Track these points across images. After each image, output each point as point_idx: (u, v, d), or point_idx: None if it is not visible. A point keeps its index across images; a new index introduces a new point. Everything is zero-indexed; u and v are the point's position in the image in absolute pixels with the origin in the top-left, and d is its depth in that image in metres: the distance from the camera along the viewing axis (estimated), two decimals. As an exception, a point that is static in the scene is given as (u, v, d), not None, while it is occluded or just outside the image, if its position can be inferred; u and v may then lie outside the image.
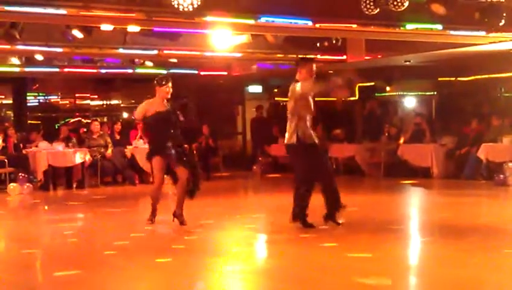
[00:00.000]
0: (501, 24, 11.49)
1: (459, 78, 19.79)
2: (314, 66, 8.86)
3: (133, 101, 27.38)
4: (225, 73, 20.13)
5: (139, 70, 18.79)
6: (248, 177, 18.37)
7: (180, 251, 7.54)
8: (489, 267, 6.40)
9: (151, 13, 11.13)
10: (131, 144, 16.56)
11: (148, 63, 18.05)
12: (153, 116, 9.28)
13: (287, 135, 8.81)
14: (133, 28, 12.97)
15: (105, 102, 24.51)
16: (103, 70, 18.98)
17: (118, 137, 16.88)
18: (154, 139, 9.48)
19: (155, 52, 15.53)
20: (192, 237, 8.38)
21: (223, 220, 10.01)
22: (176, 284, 6.10)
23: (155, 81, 9.44)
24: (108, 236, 8.68)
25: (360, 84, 19.78)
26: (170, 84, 9.38)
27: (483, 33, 13.23)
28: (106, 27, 12.52)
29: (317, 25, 12.23)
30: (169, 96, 9.37)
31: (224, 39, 14.27)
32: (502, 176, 13.99)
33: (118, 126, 17.36)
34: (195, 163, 9.69)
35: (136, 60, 17.73)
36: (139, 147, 16.28)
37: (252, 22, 11.90)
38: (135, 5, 10.73)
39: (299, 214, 8.67)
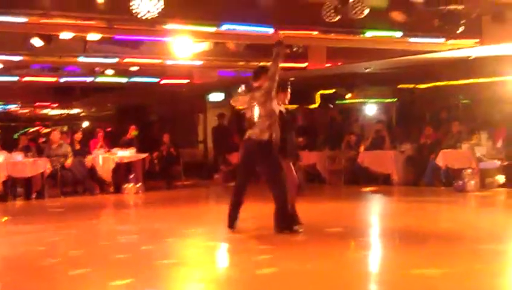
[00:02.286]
0: (460, 31, 11.63)
1: (418, 85, 20.01)
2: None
3: (93, 110, 27.26)
4: (186, 81, 20.07)
5: (99, 79, 18.64)
6: (209, 185, 18.33)
7: (139, 260, 7.47)
8: (451, 272, 6.44)
9: (112, 21, 11.04)
10: (91, 154, 16.43)
11: (109, 72, 17.91)
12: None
13: (254, 130, 8.82)
14: (93, 36, 12.86)
15: (65, 111, 24.32)
16: (63, 79, 18.78)
17: (78, 146, 16.72)
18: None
19: (116, 60, 15.42)
20: (150, 247, 8.31)
21: (184, 228, 9.94)
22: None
23: None
24: (67, 246, 8.57)
25: (321, 92, 19.92)
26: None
27: (442, 40, 13.39)
28: (66, 35, 12.39)
29: (278, 32, 12.27)
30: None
31: (185, 47, 14.22)
32: (460, 182, 14.15)
33: (78, 135, 17.20)
34: None
35: (97, 68, 17.59)
36: (99, 156, 16.18)
37: (213, 29, 11.90)
38: (96, 12, 10.65)
39: (287, 219, 8.71)
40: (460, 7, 11.15)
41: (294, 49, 14.75)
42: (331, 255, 7.36)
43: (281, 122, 9.06)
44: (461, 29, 11.51)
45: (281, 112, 9.14)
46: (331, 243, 8.21)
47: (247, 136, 8.91)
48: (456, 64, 16.39)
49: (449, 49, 14.25)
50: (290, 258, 7.32)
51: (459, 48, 14.12)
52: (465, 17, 11.64)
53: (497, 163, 14.69)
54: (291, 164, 9.22)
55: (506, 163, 14.67)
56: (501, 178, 14.52)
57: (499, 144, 15.18)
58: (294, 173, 9.30)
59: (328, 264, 6.92)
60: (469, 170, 14.30)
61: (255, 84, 9.01)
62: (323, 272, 6.57)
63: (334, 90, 21.14)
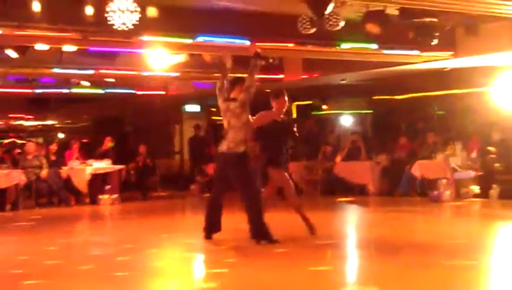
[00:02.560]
0: (434, 43, 11.73)
1: (394, 97, 20.14)
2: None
3: (69, 121, 27.12)
4: (162, 92, 20.05)
5: (75, 90, 18.57)
6: (186, 196, 18.28)
7: (113, 271, 7.43)
8: (426, 282, 6.48)
9: (87, 33, 11.02)
10: (66, 165, 16.35)
11: (85, 83, 17.86)
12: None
13: (228, 143, 8.84)
14: (69, 48, 12.82)
15: (40, 122, 24.17)
16: (38, 90, 18.68)
17: (53, 158, 16.63)
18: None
19: (91, 71, 15.39)
20: (126, 258, 8.27)
21: (160, 240, 9.91)
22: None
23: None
24: (37, 258, 8.49)
25: (298, 103, 19.97)
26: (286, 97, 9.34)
27: (417, 52, 13.51)
28: (41, 46, 12.34)
29: (254, 44, 12.31)
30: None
31: (161, 58, 14.23)
32: (436, 192, 14.25)
33: (53, 147, 17.13)
34: None
35: (72, 79, 17.53)
36: (74, 168, 16.12)
37: (189, 41, 11.91)
38: (71, 24, 10.63)
39: (264, 230, 8.74)
40: (434, 20, 11.25)
41: (270, 61, 14.80)
42: (306, 265, 7.36)
43: (275, 132, 9.12)
44: (435, 41, 11.61)
45: (275, 121, 9.19)
46: (306, 253, 8.21)
47: (223, 149, 8.92)
48: (431, 76, 16.52)
49: (424, 61, 14.38)
50: (264, 269, 7.31)
51: (433, 60, 14.25)
52: (439, 30, 11.74)
53: (472, 173, 14.81)
54: (286, 174, 9.30)
55: (480, 173, 14.79)
56: (475, 188, 14.63)
57: (474, 154, 15.31)
58: (291, 183, 9.37)
59: (302, 275, 6.92)
60: (444, 180, 14.41)
61: (231, 95, 9.04)
62: (297, 283, 6.57)
63: (310, 102, 21.21)
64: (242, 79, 9.10)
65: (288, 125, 9.47)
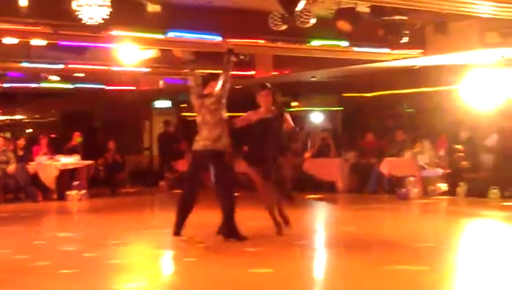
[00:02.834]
0: (404, 41, 11.80)
1: (364, 94, 20.22)
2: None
3: (37, 116, 26.88)
4: (133, 88, 19.94)
5: (44, 85, 18.40)
6: (154, 193, 18.21)
7: (82, 267, 7.38)
8: (393, 279, 6.52)
9: (57, 27, 10.92)
10: (34, 160, 16.20)
11: (54, 77, 17.70)
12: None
13: (205, 141, 8.81)
14: (38, 42, 12.69)
15: (8, 117, 23.92)
16: (6, 85, 18.48)
17: (21, 153, 16.46)
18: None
19: (61, 66, 15.25)
20: (93, 254, 8.22)
21: (128, 236, 9.87)
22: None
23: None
24: (5, 253, 8.41)
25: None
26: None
27: (387, 50, 13.57)
28: (9, 40, 12.21)
29: (226, 40, 12.29)
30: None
31: (131, 54, 14.15)
32: (403, 190, 14.35)
33: (21, 142, 16.95)
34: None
35: (41, 74, 17.36)
36: (42, 163, 15.98)
37: (160, 36, 11.86)
38: (41, 18, 10.52)
39: (233, 228, 8.74)
40: (404, 18, 11.31)
41: (242, 58, 14.79)
42: (274, 263, 7.37)
43: (260, 130, 9.06)
44: (405, 39, 11.67)
45: (262, 119, 9.12)
46: (275, 251, 8.22)
47: (197, 147, 8.89)
48: (400, 74, 16.61)
49: (393, 59, 14.45)
50: (233, 265, 7.33)
51: (403, 58, 14.33)
52: (409, 28, 11.81)
53: (439, 171, 14.93)
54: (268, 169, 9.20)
55: (448, 171, 14.91)
56: (443, 186, 14.75)
57: (441, 152, 15.43)
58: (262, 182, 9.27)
59: (269, 272, 6.93)
60: (412, 178, 14.52)
61: (205, 92, 9.02)
62: (266, 280, 6.59)
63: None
64: (216, 75, 9.10)
65: (275, 120, 9.33)
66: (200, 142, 8.87)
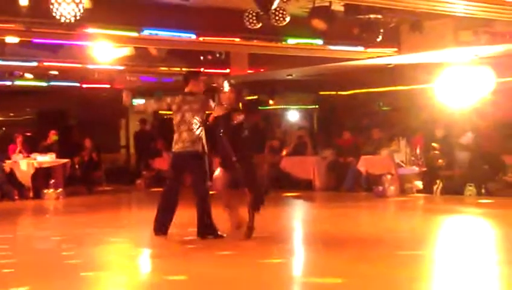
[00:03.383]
0: (378, 40, 11.84)
1: (339, 92, 20.28)
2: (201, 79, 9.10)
3: (11, 114, 26.67)
4: (108, 86, 19.83)
5: (18, 83, 18.25)
6: (131, 191, 18.15)
7: (60, 266, 7.34)
8: (372, 274, 6.55)
9: (31, 24, 10.84)
10: (10, 159, 16.09)
11: (28, 75, 17.57)
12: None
13: (184, 142, 8.79)
14: (11, 39, 12.59)
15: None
16: (-21, 82, 18.32)
17: (-5, 151, 16.36)
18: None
19: (35, 64, 15.14)
20: (70, 253, 8.17)
21: (105, 234, 9.82)
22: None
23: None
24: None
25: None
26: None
27: (361, 48, 13.63)
28: (-17, 38, 12.12)
29: (201, 39, 12.28)
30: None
31: (106, 51, 14.08)
32: (380, 187, 14.39)
33: (-5, 140, 16.86)
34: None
35: (15, 71, 17.22)
36: (18, 161, 15.87)
37: (135, 34, 11.82)
38: (14, 15, 10.44)
39: (211, 226, 8.74)
40: (379, 16, 11.36)
41: (217, 56, 14.80)
42: (251, 261, 7.38)
43: (226, 129, 8.70)
44: (380, 38, 11.72)
45: (216, 118, 8.86)
46: (252, 249, 8.23)
47: (177, 148, 8.86)
48: (376, 72, 16.67)
49: (368, 58, 14.50)
50: (212, 263, 7.32)
51: (378, 56, 14.39)
52: (384, 26, 11.86)
53: (416, 169, 14.98)
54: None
55: (424, 169, 14.98)
56: (419, 184, 14.82)
57: (418, 150, 15.48)
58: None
59: (248, 270, 6.94)
60: (388, 176, 14.56)
61: (186, 90, 8.98)
62: (243, 278, 6.59)
63: (256, 97, 21.22)
64: (196, 73, 9.11)
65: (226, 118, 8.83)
66: (179, 144, 8.85)
